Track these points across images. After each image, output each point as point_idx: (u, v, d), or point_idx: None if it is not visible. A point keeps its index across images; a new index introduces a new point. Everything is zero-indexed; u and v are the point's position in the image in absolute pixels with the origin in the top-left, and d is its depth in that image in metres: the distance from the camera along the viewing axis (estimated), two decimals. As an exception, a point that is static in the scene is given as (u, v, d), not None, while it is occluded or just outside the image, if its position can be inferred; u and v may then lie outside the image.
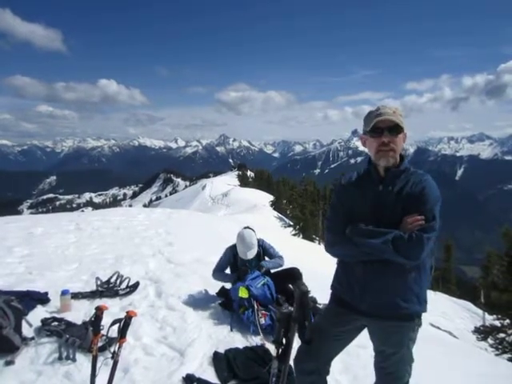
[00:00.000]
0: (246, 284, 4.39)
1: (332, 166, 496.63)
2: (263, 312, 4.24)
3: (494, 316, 14.52)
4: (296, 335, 2.19)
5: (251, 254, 4.75)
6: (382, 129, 2.14)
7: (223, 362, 3.47)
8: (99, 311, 2.35)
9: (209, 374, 3.30)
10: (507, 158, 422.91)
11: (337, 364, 3.54)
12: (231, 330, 4.08)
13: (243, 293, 4.30)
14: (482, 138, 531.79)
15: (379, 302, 2.21)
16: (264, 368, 3.29)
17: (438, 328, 11.28)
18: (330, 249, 2.37)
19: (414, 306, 2.19)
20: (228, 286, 4.87)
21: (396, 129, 2.14)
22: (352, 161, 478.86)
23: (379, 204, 2.19)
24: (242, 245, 4.74)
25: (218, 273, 4.90)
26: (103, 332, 2.54)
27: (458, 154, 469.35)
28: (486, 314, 18.55)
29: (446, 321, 16.26)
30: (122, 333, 2.32)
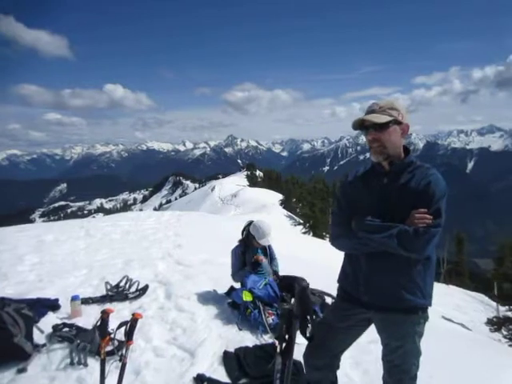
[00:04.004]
0: (249, 288, 4.44)
1: (341, 162, 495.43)
2: (269, 311, 4.27)
3: (507, 307, 14.41)
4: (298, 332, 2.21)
5: (268, 240, 4.85)
6: (368, 127, 2.19)
7: (233, 360, 3.48)
8: (105, 315, 2.37)
9: (219, 373, 3.32)
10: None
11: (347, 359, 3.56)
12: (240, 330, 4.11)
13: (247, 296, 4.34)
14: (493, 130, 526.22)
15: (382, 294, 2.23)
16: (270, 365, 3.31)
17: (451, 320, 11.20)
18: (334, 241, 2.41)
19: (417, 298, 2.20)
20: (237, 286, 4.90)
21: (382, 125, 2.15)
22: (361, 157, 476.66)
23: (384, 197, 2.21)
24: (260, 230, 4.79)
25: (237, 273, 4.89)
26: (111, 335, 2.57)
27: (468, 147, 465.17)
28: (500, 305, 18.39)
29: (460, 313, 16.13)
30: (129, 335, 2.35)
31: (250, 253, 4.91)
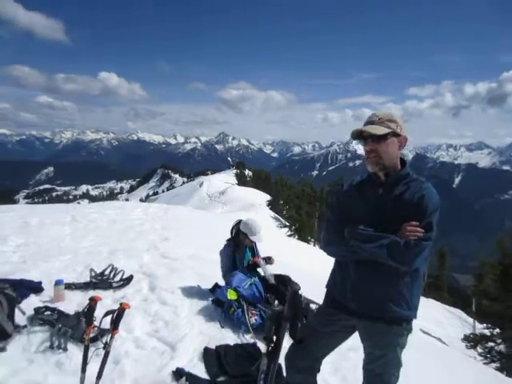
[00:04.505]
0: (234, 286, 4.44)
1: (330, 168, 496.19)
2: (253, 311, 4.27)
3: (484, 325, 14.58)
4: (287, 334, 2.22)
5: (260, 237, 4.85)
6: (366, 137, 2.22)
7: (213, 357, 3.48)
8: (93, 302, 2.36)
9: (199, 368, 3.31)
10: (505, 167, 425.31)
11: (327, 365, 3.58)
12: (222, 327, 4.11)
13: (232, 295, 4.35)
14: (481, 147, 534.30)
15: (368, 303, 2.25)
16: (254, 366, 3.31)
17: (429, 334, 11.33)
18: (325, 247, 2.42)
19: (402, 310, 2.22)
20: (222, 283, 4.89)
21: (380, 136, 2.18)
22: (351, 164, 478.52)
23: (378, 207, 2.23)
24: (252, 227, 4.80)
25: (229, 273, 4.84)
26: (96, 323, 2.55)
27: (456, 162, 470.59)
28: (477, 322, 18.63)
29: (438, 327, 16.33)
30: (115, 324, 2.34)
31: (239, 252, 4.91)
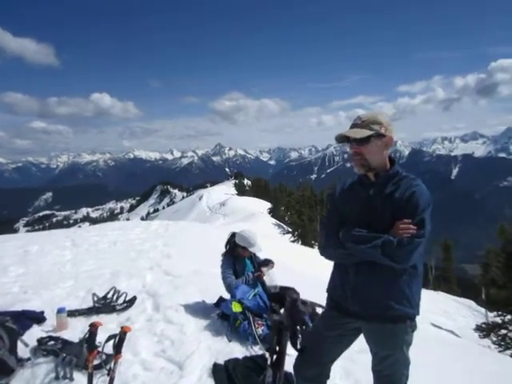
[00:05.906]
0: (238, 298, 4.39)
1: (328, 170, 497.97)
2: (259, 322, 4.21)
3: (496, 313, 14.49)
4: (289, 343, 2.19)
5: (259, 247, 4.81)
6: (350, 140, 2.25)
7: (223, 373, 3.43)
8: (93, 327, 2.33)
9: (208, 385, 3.27)
10: (501, 155, 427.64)
11: (338, 369, 3.53)
12: (229, 341, 4.05)
13: (236, 307, 4.29)
14: (475, 137, 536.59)
15: (370, 304, 2.25)
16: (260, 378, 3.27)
17: (440, 328, 11.25)
18: (322, 251, 2.44)
19: (404, 308, 2.22)
20: (226, 296, 4.84)
21: (363, 139, 2.20)
22: (348, 165, 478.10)
23: (370, 208, 2.25)
24: (250, 239, 4.75)
25: (232, 286, 4.73)
26: (99, 349, 2.51)
27: (452, 154, 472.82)
28: (488, 311, 18.53)
29: (449, 320, 16.24)
30: (118, 349, 2.30)
31: (239, 264, 4.86)
